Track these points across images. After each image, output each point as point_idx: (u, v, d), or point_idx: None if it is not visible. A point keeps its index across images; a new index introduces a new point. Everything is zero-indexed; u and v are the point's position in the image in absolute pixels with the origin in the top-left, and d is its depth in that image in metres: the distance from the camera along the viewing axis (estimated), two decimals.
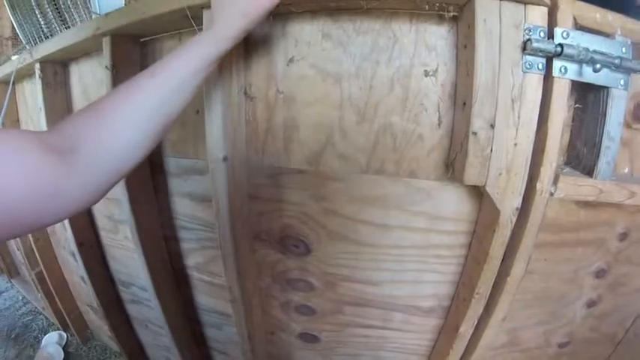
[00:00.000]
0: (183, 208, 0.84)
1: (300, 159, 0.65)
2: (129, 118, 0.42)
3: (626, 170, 0.67)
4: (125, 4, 1.04)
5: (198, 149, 0.75)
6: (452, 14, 0.54)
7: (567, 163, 0.62)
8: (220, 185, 0.64)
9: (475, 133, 0.51)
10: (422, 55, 0.57)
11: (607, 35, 0.54)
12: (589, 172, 0.58)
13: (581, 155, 0.60)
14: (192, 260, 0.89)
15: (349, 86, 0.60)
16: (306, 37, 0.60)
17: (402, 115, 0.59)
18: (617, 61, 0.52)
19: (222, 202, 0.65)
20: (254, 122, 0.65)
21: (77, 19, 1.06)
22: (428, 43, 0.56)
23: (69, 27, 1.08)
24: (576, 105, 0.60)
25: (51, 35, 1.13)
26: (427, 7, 0.54)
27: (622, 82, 0.55)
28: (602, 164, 0.57)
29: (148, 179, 0.83)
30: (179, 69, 0.46)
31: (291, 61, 0.61)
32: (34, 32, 1.19)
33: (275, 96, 0.63)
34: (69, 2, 1.06)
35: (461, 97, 0.54)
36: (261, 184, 0.69)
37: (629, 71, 0.55)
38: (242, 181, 0.66)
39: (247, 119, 0.65)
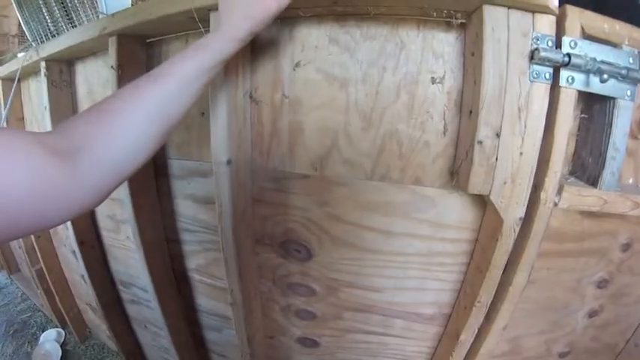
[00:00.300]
0: (185, 210, 0.84)
1: (305, 163, 0.65)
2: (132, 120, 0.42)
3: (631, 181, 0.67)
4: (132, 4, 1.04)
5: (202, 151, 0.75)
6: (460, 21, 0.54)
7: (572, 173, 0.62)
8: (224, 188, 0.64)
9: (481, 142, 0.51)
10: (429, 62, 0.57)
11: (614, 45, 0.53)
12: (593, 182, 0.58)
13: (586, 165, 0.60)
14: (193, 262, 0.89)
15: (355, 91, 0.59)
16: (313, 42, 0.60)
17: (407, 122, 0.58)
18: (624, 72, 0.52)
19: (226, 205, 0.65)
20: (259, 126, 0.65)
21: (84, 18, 1.07)
22: (435, 50, 0.56)
23: (75, 26, 1.09)
24: (582, 115, 0.59)
25: (57, 33, 1.13)
26: (435, 14, 0.54)
27: (629, 92, 0.55)
28: (607, 175, 0.57)
29: (152, 180, 0.83)
30: (184, 71, 0.46)
31: (297, 65, 0.61)
32: (41, 30, 1.20)
33: (281, 100, 0.63)
34: (76, 1, 1.07)
35: (467, 105, 0.54)
36: (265, 188, 0.68)
37: (635, 82, 0.54)
38: (246, 185, 0.66)
39: (252, 123, 0.65)
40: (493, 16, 0.49)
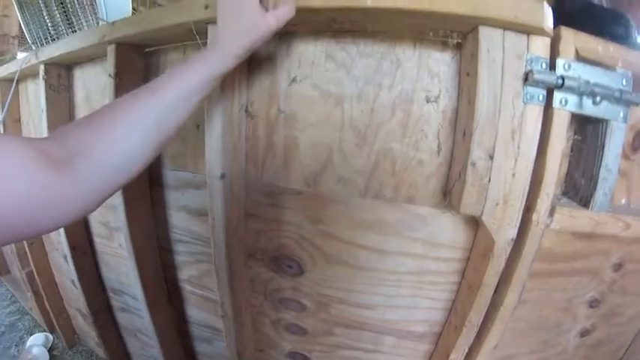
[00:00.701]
0: (179, 221, 0.83)
1: (299, 179, 0.64)
2: (130, 129, 0.42)
3: (623, 201, 0.67)
4: (132, 13, 1.05)
5: (197, 163, 0.75)
6: (456, 41, 0.54)
7: (565, 193, 0.62)
8: (217, 202, 0.64)
9: (474, 163, 0.51)
10: (424, 81, 0.57)
11: (608, 67, 0.54)
12: (586, 202, 0.58)
13: (579, 186, 0.60)
14: (185, 273, 0.88)
15: (351, 108, 0.60)
16: (310, 58, 0.60)
17: (402, 140, 0.59)
18: (617, 94, 0.53)
19: (219, 219, 0.65)
20: (254, 140, 0.65)
21: (84, 24, 1.07)
22: (431, 69, 0.57)
23: (75, 30, 1.09)
24: (575, 136, 0.60)
25: (57, 37, 1.13)
26: (431, 33, 0.55)
27: (622, 114, 0.55)
28: (599, 195, 0.57)
29: (146, 190, 0.83)
30: (182, 84, 0.46)
31: (293, 80, 0.61)
32: (41, 33, 1.20)
33: (276, 115, 0.63)
34: (77, 6, 1.07)
35: (461, 125, 0.54)
36: (258, 203, 0.68)
37: (628, 104, 0.55)
38: (239, 199, 0.66)
39: (247, 137, 0.65)
40: (488, 37, 0.49)
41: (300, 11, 0.51)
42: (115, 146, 0.41)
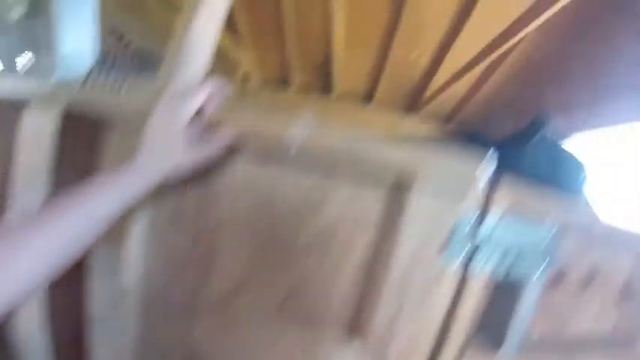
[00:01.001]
0: (99, 302, 0.77)
1: (216, 296, 0.62)
2: (29, 257, 0.41)
3: (536, 337, 0.67)
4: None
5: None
6: (390, 182, 0.54)
7: (475, 334, 0.61)
8: (132, 306, 0.62)
9: (384, 309, 0.51)
10: (351, 217, 0.56)
11: (535, 222, 0.54)
12: (496, 345, 0.58)
13: (490, 329, 0.60)
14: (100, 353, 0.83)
15: (275, 233, 0.59)
16: (239, 178, 0.59)
17: (320, 271, 0.58)
18: (541, 251, 0.54)
19: (133, 322, 0.63)
20: (176, 249, 0.63)
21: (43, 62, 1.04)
22: (360, 206, 0.56)
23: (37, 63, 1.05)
24: (493, 282, 0.60)
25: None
26: (367, 178, 0.55)
27: (541, 270, 0.56)
28: (511, 339, 0.58)
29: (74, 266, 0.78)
30: (88, 211, 0.45)
31: (221, 196, 0.60)
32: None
33: (202, 226, 0.62)
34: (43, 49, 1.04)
35: (378, 271, 0.54)
36: (172, 312, 0.65)
37: (551, 259, 0.56)
38: (155, 308, 0.63)
39: (170, 245, 0.63)
40: (420, 191, 0.50)
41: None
42: (18, 272, 0.40)
